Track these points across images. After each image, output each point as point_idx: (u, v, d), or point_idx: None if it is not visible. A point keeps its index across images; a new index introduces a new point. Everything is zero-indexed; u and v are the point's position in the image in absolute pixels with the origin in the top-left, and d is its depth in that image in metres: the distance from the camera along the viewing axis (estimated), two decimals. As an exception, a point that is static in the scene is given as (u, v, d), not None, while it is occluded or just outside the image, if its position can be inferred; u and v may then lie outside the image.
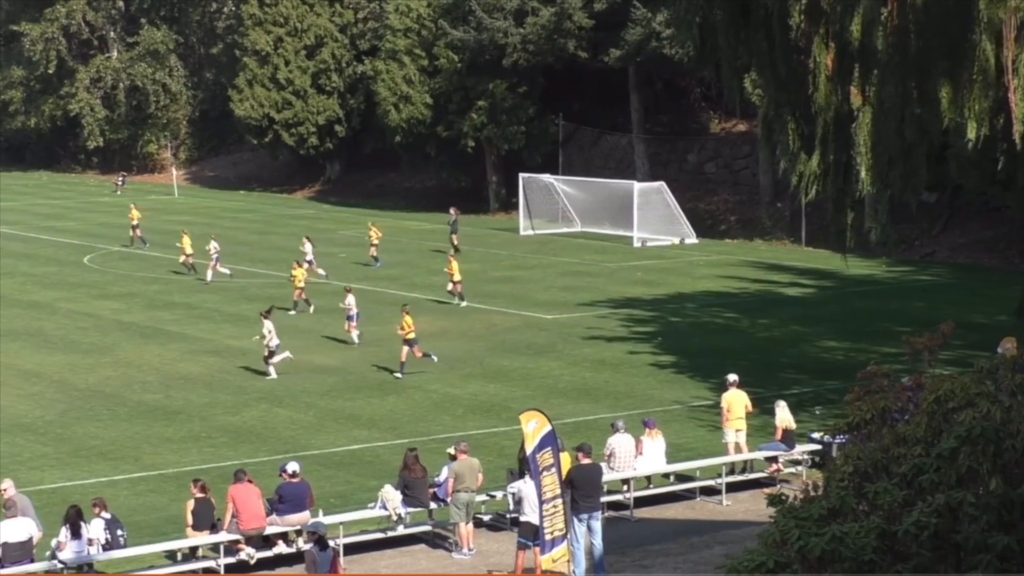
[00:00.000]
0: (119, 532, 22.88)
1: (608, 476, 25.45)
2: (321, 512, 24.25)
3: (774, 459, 28.10)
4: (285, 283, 48.93)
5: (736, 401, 28.37)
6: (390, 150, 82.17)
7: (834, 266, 51.70)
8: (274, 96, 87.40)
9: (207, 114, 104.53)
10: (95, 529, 22.53)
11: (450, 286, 48.09)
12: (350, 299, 41.35)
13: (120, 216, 70.61)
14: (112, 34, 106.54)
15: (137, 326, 44.43)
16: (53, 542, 22.40)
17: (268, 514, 23.71)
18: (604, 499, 24.54)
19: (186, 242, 55.35)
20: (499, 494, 25.39)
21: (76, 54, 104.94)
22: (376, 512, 24.75)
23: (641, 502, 26.70)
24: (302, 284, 46.25)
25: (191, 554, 23.83)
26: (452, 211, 63.75)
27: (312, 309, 45.90)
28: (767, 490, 23.14)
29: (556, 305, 47.88)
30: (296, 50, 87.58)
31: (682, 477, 27.96)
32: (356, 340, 40.91)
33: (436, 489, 24.86)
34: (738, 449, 28.27)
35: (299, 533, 23.79)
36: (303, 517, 23.65)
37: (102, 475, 28.62)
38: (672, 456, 27.86)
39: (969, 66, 25.03)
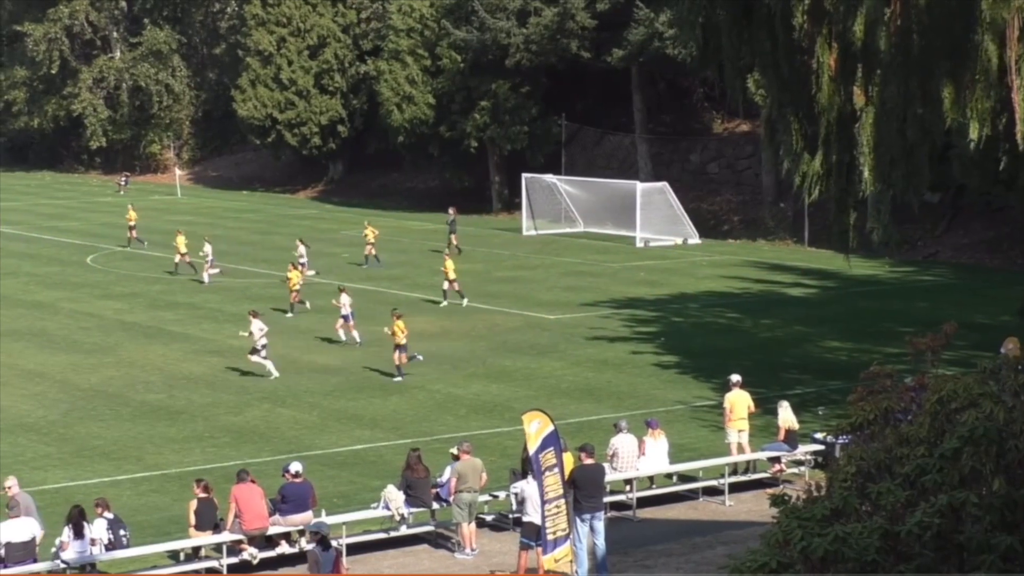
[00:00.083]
0: (122, 532, 22.90)
1: (611, 476, 25.46)
2: (324, 512, 24.25)
3: (777, 459, 28.10)
4: (282, 284, 48.91)
5: (739, 401, 28.37)
6: (393, 150, 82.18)
7: (837, 266, 51.69)
8: (277, 96, 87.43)
9: (210, 114, 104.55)
10: (98, 529, 22.54)
11: (446, 285, 47.98)
12: (344, 298, 41.30)
13: (124, 216, 70.54)
14: (115, 34, 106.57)
15: (140, 326, 44.45)
16: (56, 542, 22.41)
17: (271, 514, 23.71)
18: (607, 499, 24.56)
19: (180, 241, 55.34)
20: (502, 494, 25.40)
21: (79, 54, 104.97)
22: (379, 512, 24.76)
23: (644, 502, 26.70)
24: (297, 287, 46.19)
25: (194, 554, 23.85)
26: (451, 211, 63.70)
27: (308, 305, 45.86)
28: (770, 490, 23.11)
29: (559, 305, 47.88)
30: (299, 50, 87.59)
31: (685, 477, 27.96)
32: (357, 340, 40.85)
33: (439, 489, 24.87)
34: (741, 449, 28.26)
35: (302, 533, 23.80)
36: (306, 517, 23.66)
37: (105, 475, 28.63)
38: (675, 456, 27.86)
39: (972, 66, 25.02)
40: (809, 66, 26.06)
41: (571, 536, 21.69)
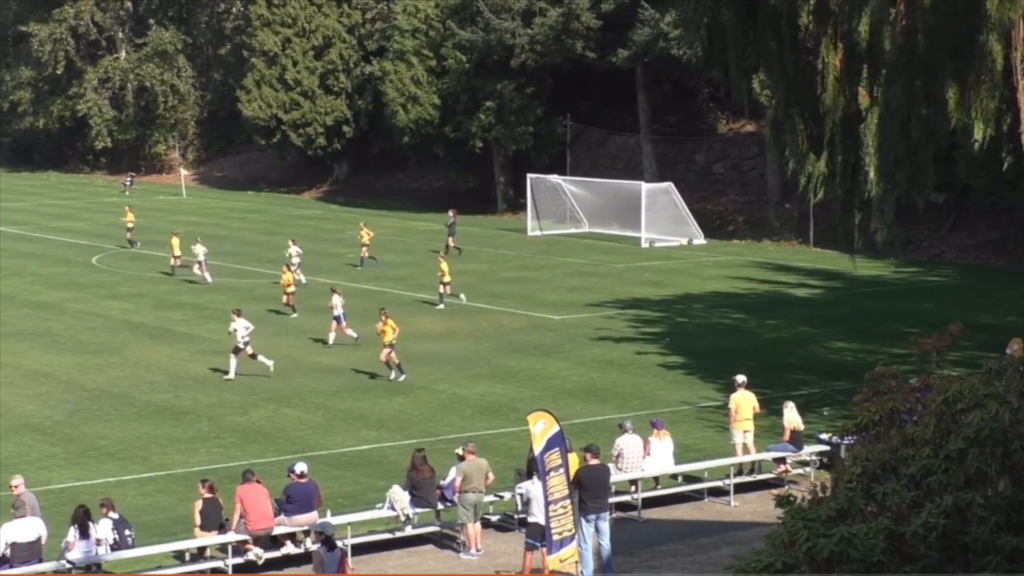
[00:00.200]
0: (127, 532, 22.91)
1: (616, 477, 25.45)
2: (329, 512, 24.26)
3: (782, 460, 28.09)
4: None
5: (744, 402, 28.36)
6: (398, 151, 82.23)
7: (842, 267, 51.64)
8: (282, 97, 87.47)
9: (215, 115, 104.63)
10: (103, 529, 22.56)
11: (442, 288, 47.91)
12: (336, 299, 41.26)
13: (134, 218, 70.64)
14: (120, 35, 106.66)
15: (146, 326, 44.48)
16: (63, 542, 22.43)
17: (276, 514, 23.72)
18: (612, 500, 24.56)
19: (175, 243, 55.35)
20: (507, 495, 25.40)
21: (84, 55, 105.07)
22: (384, 512, 24.77)
23: (649, 503, 26.70)
24: (292, 289, 46.17)
25: (199, 554, 23.85)
26: (451, 213, 63.60)
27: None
28: (775, 491, 23.11)
29: (564, 306, 47.89)
30: (304, 51, 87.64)
31: (690, 478, 27.95)
32: (354, 335, 40.80)
33: (443, 489, 24.88)
34: (746, 450, 28.25)
35: (307, 533, 23.80)
36: (311, 517, 23.66)
37: (110, 475, 28.65)
38: (680, 457, 27.84)
39: (977, 67, 25.00)
40: (814, 66, 26.05)
41: (576, 537, 21.68)
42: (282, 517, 23.78)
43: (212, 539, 23.53)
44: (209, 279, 52.85)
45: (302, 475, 24.02)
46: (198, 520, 23.44)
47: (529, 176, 70.73)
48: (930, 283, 54.10)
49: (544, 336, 42.74)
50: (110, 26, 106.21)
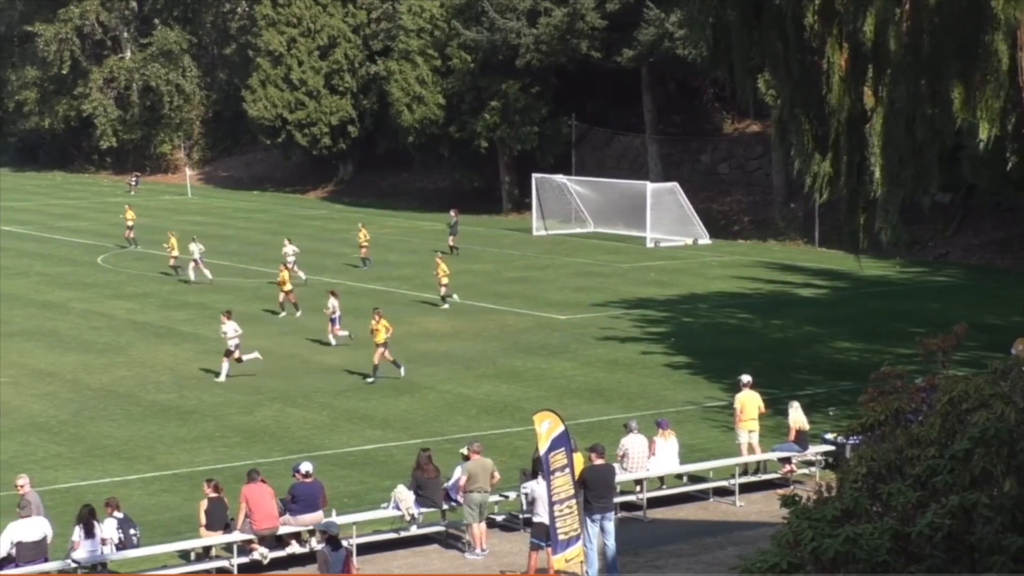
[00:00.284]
0: (132, 531, 22.93)
1: (621, 477, 25.45)
2: (334, 512, 24.27)
3: (787, 460, 28.08)
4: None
5: (749, 402, 28.36)
6: (403, 150, 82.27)
7: (848, 267, 51.65)
8: (287, 96, 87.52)
9: (220, 114, 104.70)
10: (108, 528, 22.58)
11: (443, 288, 47.88)
12: (333, 301, 41.24)
13: (135, 216, 70.67)
14: (125, 35, 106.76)
15: (151, 326, 44.51)
16: (68, 542, 22.45)
17: (281, 514, 23.74)
18: (617, 500, 24.54)
19: (173, 243, 55.36)
20: (512, 494, 25.40)
21: (90, 55, 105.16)
22: (389, 512, 24.77)
23: (654, 503, 26.69)
24: (289, 287, 46.17)
25: (204, 554, 23.87)
26: (452, 213, 63.56)
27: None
28: (780, 491, 23.11)
29: (569, 305, 47.89)
30: (309, 51, 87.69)
31: (695, 478, 27.95)
32: (336, 341, 40.77)
33: (448, 489, 24.88)
34: (751, 450, 28.25)
35: (312, 533, 23.81)
36: (316, 517, 23.67)
37: (116, 475, 28.67)
38: (685, 457, 27.85)
39: (982, 66, 24.97)
40: (820, 66, 26.02)
41: (581, 536, 21.68)
42: (287, 517, 23.79)
43: (217, 539, 23.54)
44: (209, 275, 52.83)
45: (307, 475, 24.02)
46: (203, 520, 23.46)
47: (534, 176, 70.75)
48: (935, 283, 54.07)
49: (549, 336, 42.74)
50: (115, 26, 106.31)
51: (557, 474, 21.11)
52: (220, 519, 23.51)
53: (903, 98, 25.45)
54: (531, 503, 23.12)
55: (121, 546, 22.67)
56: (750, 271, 56.33)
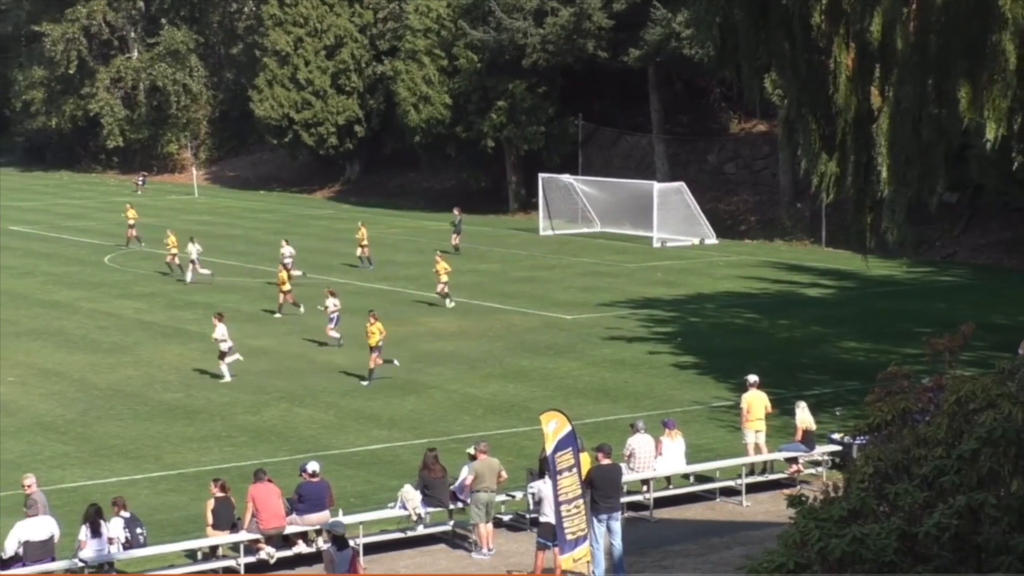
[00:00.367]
0: (138, 531, 22.96)
1: (628, 476, 25.46)
2: (341, 512, 24.28)
3: (794, 460, 28.07)
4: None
5: (756, 402, 28.34)
6: (410, 150, 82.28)
7: (854, 267, 51.62)
8: (294, 96, 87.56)
9: (227, 114, 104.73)
10: (115, 528, 22.61)
11: (440, 287, 47.82)
12: (331, 301, 41.20)
13: (141, 216, 70.71)
14: (132, 34, 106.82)
15: (158, 325, 44.55)
16: (75, 541, 22.48)
17: (288, 513, 23.75)
18: (624, 499, 24.55)
19: (172, 241, 55.36)
20: (519, 494, 25.42)
21: (97, 54, 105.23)
22: (396, 512, 24.79)
23: (661, 503, 26.69)
24: (288, 288, 46.15)
25: (211, 553, 23.89)
26: (456, 211, 63.46)
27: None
28: (787, 491, 23.09)
29: (576, 305, 47.88)
30: (316, 50, 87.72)
31: (702, 478, 27.95)
32: (338, 342, 40.75)
33: (455, 489, 24.89)
34: (758, 450, 28.24)
35: (319, 532, 23.83)
36: (323, 516, 23.68)
37: (123, 474, 28.70)
38: (692, 457, 27.84)
39: (989, 66, 24.95)
40: (826, 66, 25.99)
41: (588, 536, 21.69)
42: (294, 516, 23.81)
43: (224, 538, 23.56)
44: (207, 272, 52.80)
45: (314, 474, 24.04)
46: (210, 519, 23.48)
47: (541, 176, 70.75)
48: (942, 283, 54.02)
49: (556, 336, 42.75)
50: (122, 26, 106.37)
51: (565, 474, 21.12)
52: (227, 519, 23.53)
53: (910, 98, 25.43)
54: (538, 503, 23.13)
55: (128, 545, 22.70)
56: (757, 271, 56.31)
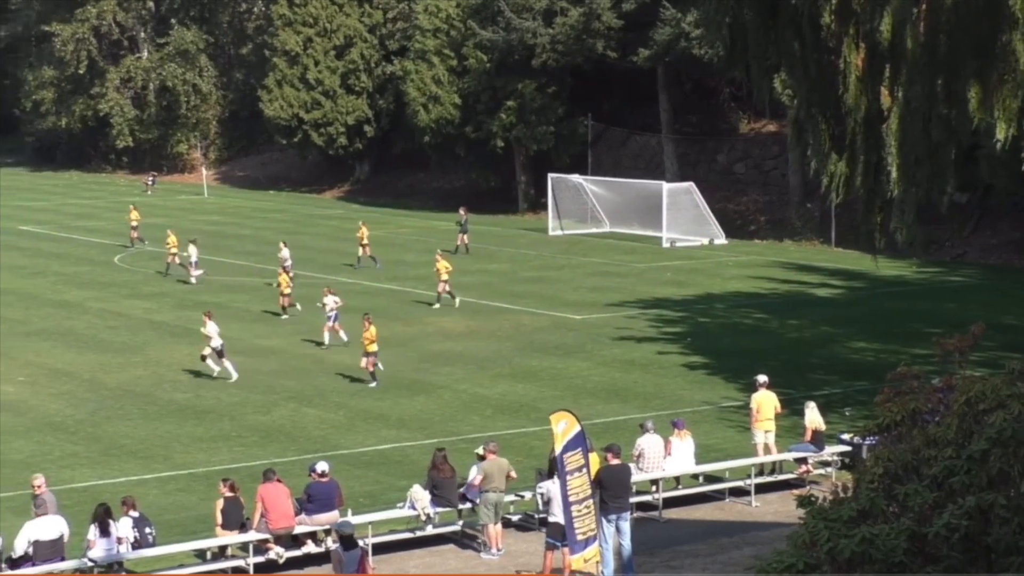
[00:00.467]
0: (147, 530, 22.98)
1: (637, 477, 25.45)
2: (350, 511, 24.29)
3: (804, 460, 28.04)
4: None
5: (765, 402, 28.32)
6: (419, 150, 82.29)
7: (864, 267, 51.54)
8: (303, 96, 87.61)
9: (237, 114, 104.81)
10: (123, 527, 22.63)
11: (441, 286, 47.73)
12: (329, 299, 41.18)
13: (151, 216, 70.84)
14: (142, 34, 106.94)
15: (167, 325, 44.58)
16: (85, 541, 22.51)
17: (297, 513, 23.76)
18: (633, 500, 24.54)
19: (172, 242, 55.37)
20: (527, 494, 25.41)
21: (106, 54, 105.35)
22: (405, 512, 24.80)
23: (670, 503, 26.68)
24: (288, 291, 46.12)
25: (220, 553, 23.92)
26: (462, 211, 63.38)
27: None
28: (796, 491, 23.10)
29: (585, 305, 47.87)
30: (325, 50, 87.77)
31: (711, 478, 27.93)
32: (328, 338, 40.72)
33: (463, 489, 24.90)
34: (767, 450, 28.21)
35: (328, 532, 23.83)
36: (332, 516, 23.69)
37: (132, 474, 28.73)
38: (701, 457, 27.83)
39: (999, 66, 24.92)
40: (836, 66, 25.98)
41: (597, 536, 21.69)
42: (303, 516, 23.82)
43: (233, 538, 23.58)
44: (196, 273, 52.79)
45: (323, 474, 24.05)
46: (219, 519, 23.50)
47: (550, 176, 70.74)
48: (952, 283, 53.95)
49: (565, 336, 42.74)
50: (132, 26, 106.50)
51: (576, 474, 21.11)
52: (236, 518, 23.55)
53: (920, 98, 25.41)
54: (547, 503, 23.13)
55: (137, 545, 22.72)
56: (766, 271, 56.27)
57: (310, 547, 23.98)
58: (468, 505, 24.86)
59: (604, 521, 22.35)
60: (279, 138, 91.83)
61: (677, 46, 67.56)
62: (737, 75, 53.64)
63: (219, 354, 37.13)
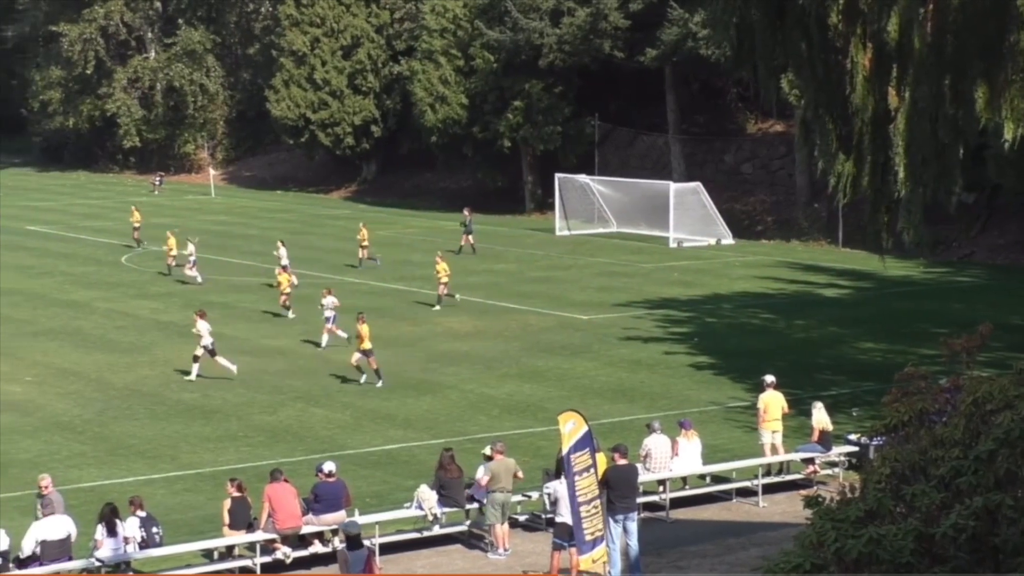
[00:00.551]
0: (154, 530, 23.00)
1: (644, 477, 25.44)
2: (357, 512, 24.30)
3: (811, 461, 28.03)
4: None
5: (772, 402, 28.31)
6: (426, 150, 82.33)
7: (871, 267, 51.50)
8: (310, 96, 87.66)
9: (244, 114, 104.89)
10: (130, 527, 22.65)
11: (441, 288, 47.71)
12: (329, 300, 41.15)
13: (158, 216, 70.92)
14: (150, 35, 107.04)
15: (175, 325, 44.57)
16: (92, 541, 22.53)
17: (304, 513, 23.78)
18: (640, 500, 24.53)
19: (172, 243, 55.38)
20: (535, 494, 25.41)
21: (114, 55, 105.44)
22: (412, 512, 24.80)
23: (677, 503, 26.66)
24: (288, 290, 46.10)
25: (227, 553, 23.92)
26: (466, 212, 63.38)
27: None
28: (803, 492, 23.08)
29: (592, 305, 47.86)
30: (332, 50, 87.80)
31: (718, 478, 27.91)
32: (329, 339, 40.68)
33: (471, 489, 24.90)
34: (774, 450, 28.20)
35: (335, 532, 23.84)
36: (339, 516, 23.70)
37: (139, 474, 28.75)
38: (708, 457, 27.81)
39: (1007, 66, 24.90)
40: (843, 66, 25.95)
41: (604, 537, 21.68)
42: (310, 516, 23.83)
43: (240, 538, 23.59)
44: (200, 279, 52.82)
45: (330, 474, 24.06)
46: (226, 519, 23.52)
47: (557, 176, 70.72)
48: (960, 283, 53.90)
49: (572, 336, 42.73)
50: (140, 26, 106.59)
51: (584, 475, 21.12)
52: (243, 518, 23.56)
53: (927, 98, 25.38)
54: (554, 503, 23.13)
55: (144, 544, 22.74)
56: (773, 271, 56.24)
57: (317, 547, 23.99)
58: (475, 505, 24.87)
59: (611, 521, 22.34)
60: (286, 138, 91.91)
61: (684, 46, 67.55)
62: (744, 75, 53.57)
63: (211, 353, 37.08)
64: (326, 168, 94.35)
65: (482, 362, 38.96)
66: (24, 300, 49.25)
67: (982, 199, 60.70)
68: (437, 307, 47.02)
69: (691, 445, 27.04)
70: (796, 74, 28.40)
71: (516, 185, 79.03)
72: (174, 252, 55.04)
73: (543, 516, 25.09)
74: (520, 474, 24.57)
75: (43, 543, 22.00)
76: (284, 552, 23.61)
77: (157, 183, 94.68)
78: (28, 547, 22.06)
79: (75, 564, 22.24)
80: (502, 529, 24.27)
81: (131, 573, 22.79)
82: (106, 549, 22.29)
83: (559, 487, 22.48)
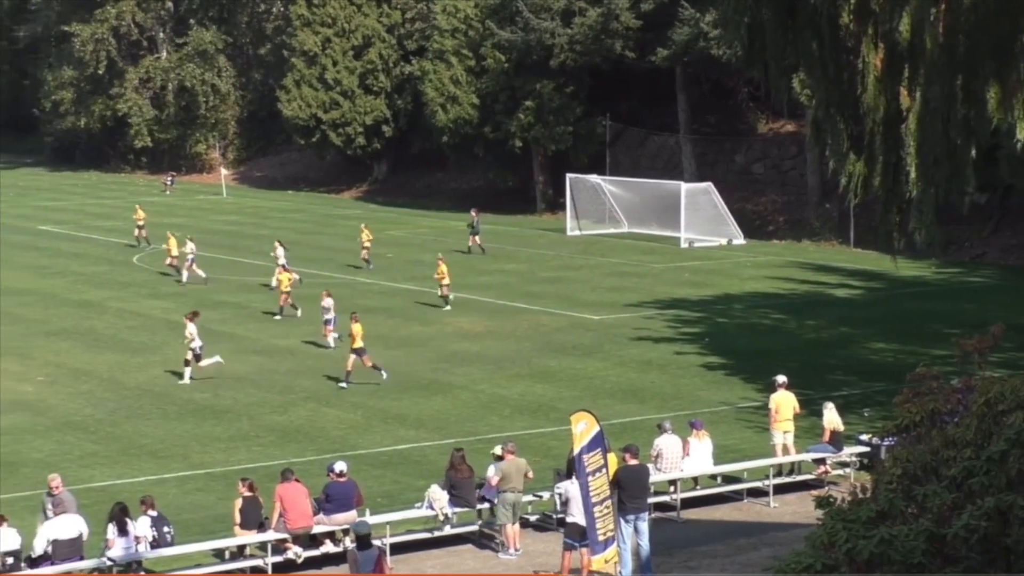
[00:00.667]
0: (166, 529, 23.03)
1: (655, 477, 25.44)
2: (368, 512, 24.31)
3: (822, 461, 28.01)
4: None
5: (784, 402, 28.29)
6: (437, 150, 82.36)
7: (883, 267, 51.44)
8: (322, 96, 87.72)
9: (255, 114, 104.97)
10: (141, 527, 22.69)
11: (443, 289, 47.65)
12: (328, 301, 41.10)
13: (169, 216, 71.03)
14: (161, 35, 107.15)
15: (186, 325, 44.62)
16: (103, 540, 22.57)
17: (315, 513, 23.80)
18: (651, 500, 24.53)
19: (172, 244, 55.39)
20: (546, 494, 25.42)
21: (125, 55, 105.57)
22: (423, 512, 24.81)
23: (688, 503, 26.66)
24: (288, 289, 46.10)
25: (239, 553, 23.95)
26: (473, 212, 63.33)
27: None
28: (815, 492, 23.04)
29: (603, 306, 47.85)
30: (344, 50, 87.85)
31: (729, 478, 27.90)
32: (331, 344, 40.58)
33: (480, 490, 24.91)
34: (786, 451, 28.18)
35: (346, 532, 23.86)
36: (350, 516, 23.72)
37: (151, 473, 28.80)
38: (719, 457, 27.80)
39: (1019, 66, 24.86)
40: (855, 66, 25.92)
41: (616, 537, 21.69)
42: (321, 516, 23.85)
43: (251, 538, 23.62)
44: (184, 278, 52.84)
45: (341, 474, 24.08)
46: (238, 518, 23.54)
47: (568, 176, 70.70)
48: (972, 284, 53.81)
49: (583, 336, 42.72)
50: (151, 26, 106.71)
51: (597, 475, 21.12)
52: (254, 518, 23.59)
53: (938, 98, 25.35)
54: (565, 503, 23.13)
55: (155, 544, 22.77)
56: (785, 271, 56.18)
57: (328, 547, 24.01)
58: (486, 505, 24.88)
59: (622, 521, 22.35)
60: (297, 138, 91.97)
61: (695, 46, 67.50)
62: (755, 75, 53.55)
63: (196, 357, 36.98)
64: (337, 168, 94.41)
65: (493, 362, 38.96)
66: (36, 300, 49.34)
67: (994, 199, 60.58)
68: (447, 307, 47.01)
69: (702, 445, 27.03)
70: (807, 74, 28.36)
71: (527, 185, 79.04)
72: (174, 252, 55.05)
73: (554, 516, 25.10)
74: (531, 474, 24.58)
75: (55, 542, 22.05)
76: (295, 552, 23.64)
77: (169, 183, 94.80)
78: (40, 546, 22.12)
79: (87, 564, 22.28)
80: (513, 529, 24.28)
81: (143, 573, 22.83)
82: (118, 548, 22.34)
83: (570, 487, 22.48)
